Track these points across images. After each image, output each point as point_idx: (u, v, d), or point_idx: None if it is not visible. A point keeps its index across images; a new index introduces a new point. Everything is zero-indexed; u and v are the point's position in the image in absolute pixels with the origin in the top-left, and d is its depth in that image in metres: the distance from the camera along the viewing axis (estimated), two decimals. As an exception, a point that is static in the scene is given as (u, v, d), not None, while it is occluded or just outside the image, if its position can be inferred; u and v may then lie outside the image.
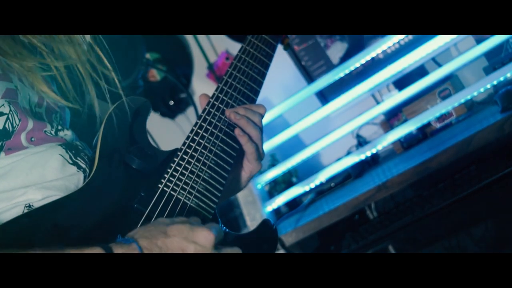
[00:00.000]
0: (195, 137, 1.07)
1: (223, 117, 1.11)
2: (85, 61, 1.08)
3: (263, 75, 1.21)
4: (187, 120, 2.67)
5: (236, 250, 0.90)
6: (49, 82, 1.06)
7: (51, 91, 1.04)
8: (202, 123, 1.09)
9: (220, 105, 1.12)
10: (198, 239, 0.83)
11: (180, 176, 1.01)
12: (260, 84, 1.20)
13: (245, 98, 1.16)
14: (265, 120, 2.12)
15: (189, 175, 1.02)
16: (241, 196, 2.15)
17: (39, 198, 0.94)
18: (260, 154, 1.14)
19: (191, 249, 0.82)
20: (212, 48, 2.62)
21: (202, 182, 1.03)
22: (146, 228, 0.86)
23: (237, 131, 1.10)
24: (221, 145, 1.08)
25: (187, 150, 1.05)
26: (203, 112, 1.11)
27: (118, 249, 0.80)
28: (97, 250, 0.79)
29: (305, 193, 2.13)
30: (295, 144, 2.34)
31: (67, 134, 1.06)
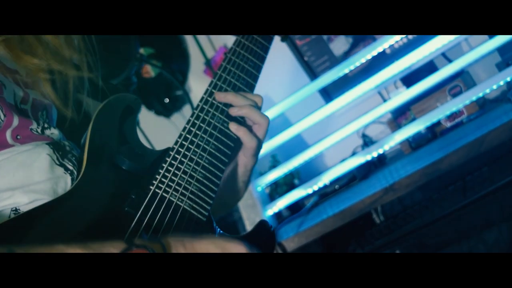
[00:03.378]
0: (187, 135, 1.07)
1: (217, 113, 1.11)
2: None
3: (258, 69, 1.21)
4: (183, 119, 2.67)
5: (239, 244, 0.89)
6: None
7: (53, 92, 1.07)
8: (195, 121, 1.09)
9: (214, 101, 1.12)
10: (229, 248, 0.83)
11: (173, 177, 1.01)
12: (255, 78, 1.20)
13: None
14: (265, 119, 2.13)
15: (182, 175, 1.02)
16: (240, 199, 2.14)
17: (26, 201, 0.93)
18: (259, 150, 1.14)
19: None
20: (210, 43, 2.62)
21: (195, 183, 1.02)
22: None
23: (233, 125, 1.09)
24: (215, 143, 1.08)
25: (180, 149, 1.05)
26: (195, 108, 1.11)
27: (140, 242, 0.80)
28: (120, 243, 0.79)
29: (308, 196, 2.13)
30: (297, 144, 2.34)
31: (54, 133, 1.06)
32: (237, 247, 0.84)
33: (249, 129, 1.13)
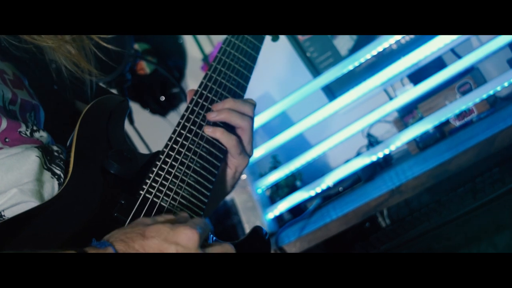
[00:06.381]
0: (178, 138, 1.07)
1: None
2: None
3: (250, 69, 1.22)
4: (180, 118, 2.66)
5: (226, 247, 0.89)
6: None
7: (77, 53, 1.14)
8: (185, 123, 1.09)
9: (204, 103, 1.12)
10: (180, 240, 0.82)
11: (163, 181, 1.01)
12: (247, 79, 1.20)
13: (232, 94, 1.16)
14: (266, 118, 2.14)
15: (173, 180, 1.02)
16: (239, 201, 2.14)
17: (12, 203, 0.95)
18: (244, 147, 1.13)
19: (172, 250, 0.82)
20: (208, 38, 2.61)
21: (187, 187, 1.02)
22: (123, 230, 0.86)
23: (207, 128, 1.09)
24: (207, 146, 1.08)
25: (170, 152, 1.04)
26: (185, 111, 1.11)
27: (92, 252, 0.81)
28: (71, 253, 0.79)
29: (310, 199, 2.13)
30: (299, 144, 2.34)
31: (43, 135, 1.07)
32: (187, 232, 0.83)
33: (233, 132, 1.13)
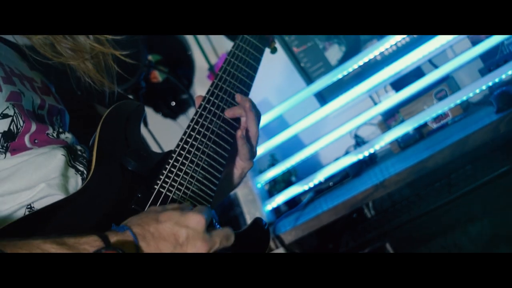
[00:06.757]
0: (188, 139, 1.07)
1: (214, 119, 1.11)
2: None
3: (252, 78, 1.22)
4: (188, 121, 2.65)
5: (226, 230, 0.89)
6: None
7: (106, 79, 1.12)
8: (195, 126, 1.09)
9: (211, 108, 1.12)
10: (189, 223, 0.84)
11: (175, 177, 1.01)
12: (249, 87, 1.21)
13: (236, 101, 1.16)
14: (265, 121, 2.13)
15: (183, 176, 1.02)
16: (241, 195, 2.14)
17: (40, 196, 0.94)
18: (253, 153, 1.15)
19: (183, 233, 0.83)
20: (213, 50, 2.60)
21: (196, 183, 1.02)
22: (138, 216, 0.87)
23: (239, 133, 1.11)
24: (214, 146, 1.08)
25: (181, 151, 1.04)
26: (195, 115, 1.11)
27: (113, 236, 0.81)
28: (94, 237, 0.79)
29: (304, 192, 2.12)
30: (295, 144, 2.33)
31: (68, 136, 1.07)
32: (195, 217, 0.84)
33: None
